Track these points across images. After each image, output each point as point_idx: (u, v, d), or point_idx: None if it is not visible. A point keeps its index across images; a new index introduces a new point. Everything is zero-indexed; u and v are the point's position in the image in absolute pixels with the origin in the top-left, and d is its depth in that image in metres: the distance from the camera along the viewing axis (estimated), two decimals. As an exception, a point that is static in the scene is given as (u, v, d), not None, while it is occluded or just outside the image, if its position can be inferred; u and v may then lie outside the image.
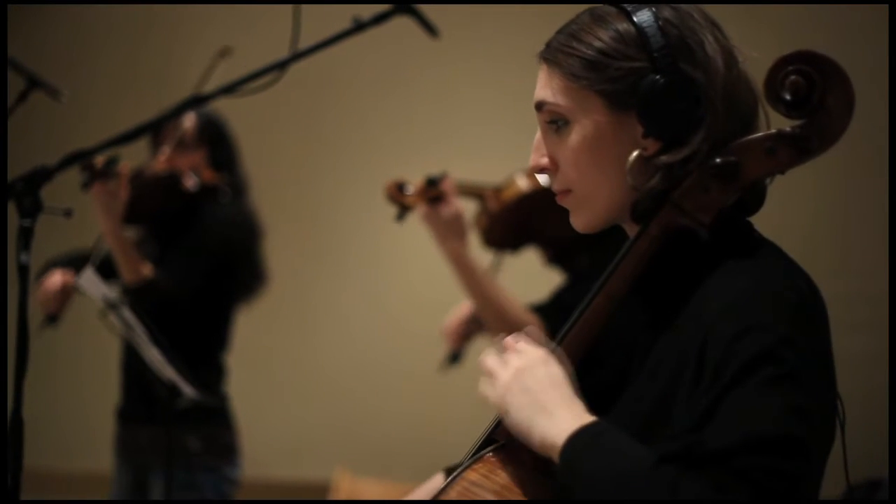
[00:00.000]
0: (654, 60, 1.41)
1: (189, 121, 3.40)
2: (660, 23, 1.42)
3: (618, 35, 1.43)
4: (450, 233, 2.66)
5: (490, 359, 1.44)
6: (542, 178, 1.54)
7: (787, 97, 1.37)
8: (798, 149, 1.38)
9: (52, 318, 3.30)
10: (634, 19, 1.43)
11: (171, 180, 3.36)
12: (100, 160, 3.07)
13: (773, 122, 1.41)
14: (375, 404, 4.93)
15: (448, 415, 4.59)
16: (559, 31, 1.49)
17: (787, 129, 1.39)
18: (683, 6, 1.45)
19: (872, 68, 4.00)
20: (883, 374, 3.56)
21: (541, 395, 1.37)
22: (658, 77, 1.40)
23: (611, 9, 1.46)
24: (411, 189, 2.74)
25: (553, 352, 1.43)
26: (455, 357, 3.17)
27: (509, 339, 1.45)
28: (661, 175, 1.41)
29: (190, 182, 3.37)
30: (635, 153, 1.42)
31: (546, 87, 1.48)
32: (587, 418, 1.34)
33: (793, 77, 1.36)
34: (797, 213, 3.89)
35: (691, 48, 1.42)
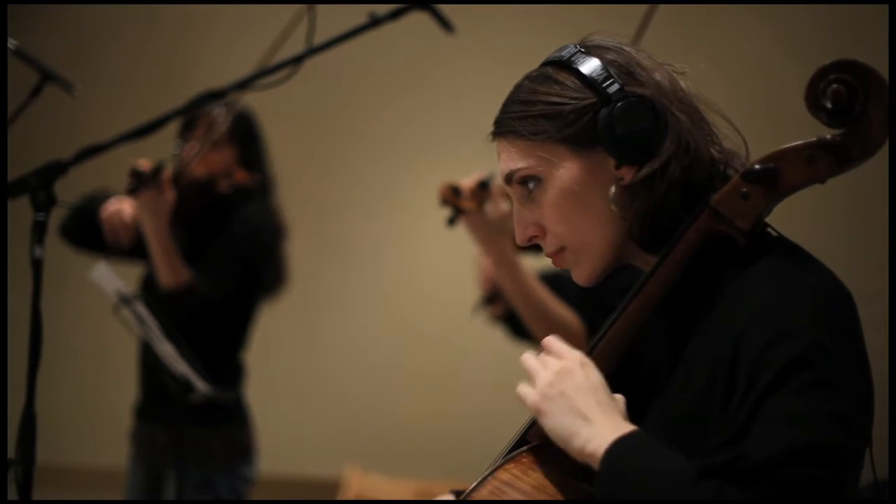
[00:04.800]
0: (603, 92, 1.44)
1: (221, 117, 3.31)
2: (597, 61, 1.45)
3: (562, 83, 1.46)
4: (497, 234, 2.64)
5: (531, 359, 1.44)
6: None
7: (829, 106, 1.37)
8: (838, 157, 1.39)
9: (116, 250, 3.19)
10: (573, 66, 1.46)
11: (208, 184, 3.32)
12: (146, 166, 3.05)
13: (814, 131, 1.41)
14: (385, 401, 4.93)
15: (457, 412, 4.58)
16: (504, 105, 1.51)
17: (828, 137, 1.39)
18: (608, 41, 1.49)
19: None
20: (883, 373, 3.56)
21: (579, 400, 1.38)
22: (612, 106, 1.43)
23: (546, 68, 1.49)
24: (464, 192, 2.67)
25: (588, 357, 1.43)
26: (491, 298, 3.07)
27: (549, 340, 1.45)
28: (644, 192, 1.43)
29: (224, 185, 3.34)
30: (614, 186, 1.44)
31: (508, 158, 1.50)
32: (625, 427, 1.35)
33: (834, 86, 1.36)
34: (798, 212, 3.88)
35: (632, 71, 1.45)
